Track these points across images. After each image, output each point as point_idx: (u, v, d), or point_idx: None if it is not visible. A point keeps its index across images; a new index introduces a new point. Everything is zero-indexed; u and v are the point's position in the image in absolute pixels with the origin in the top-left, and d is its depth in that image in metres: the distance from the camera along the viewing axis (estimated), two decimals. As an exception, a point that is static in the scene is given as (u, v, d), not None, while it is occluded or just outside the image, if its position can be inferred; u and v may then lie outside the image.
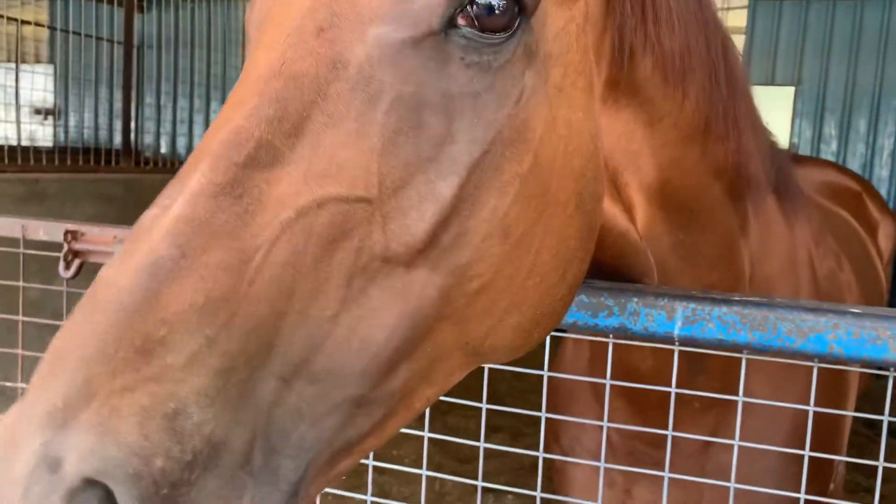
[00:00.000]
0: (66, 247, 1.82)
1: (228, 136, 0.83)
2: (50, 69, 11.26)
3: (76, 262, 1.83)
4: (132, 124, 5.17)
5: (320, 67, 0.87)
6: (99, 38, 8.68)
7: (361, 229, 0.85)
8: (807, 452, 1.44)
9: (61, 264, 1.82)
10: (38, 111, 10.88)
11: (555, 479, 2.06)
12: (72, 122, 10.84)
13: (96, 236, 1.82)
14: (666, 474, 1.54)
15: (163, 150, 12.09)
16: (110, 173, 4.77)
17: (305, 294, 0.81)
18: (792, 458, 1.57)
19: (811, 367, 1.51)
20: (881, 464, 1.43)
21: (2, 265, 2.02)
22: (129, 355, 0.72)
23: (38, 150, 4.56)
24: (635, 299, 1.34)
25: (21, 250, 1.89)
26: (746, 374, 1.58)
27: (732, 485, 1.50)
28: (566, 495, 2.02)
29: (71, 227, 1.82)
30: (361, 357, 0.85)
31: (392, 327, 0.87)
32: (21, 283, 1.93)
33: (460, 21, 0.90)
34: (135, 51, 5.18)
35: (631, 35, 1.18)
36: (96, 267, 1.81)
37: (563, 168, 1.02)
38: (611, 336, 1.42)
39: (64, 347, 0.75)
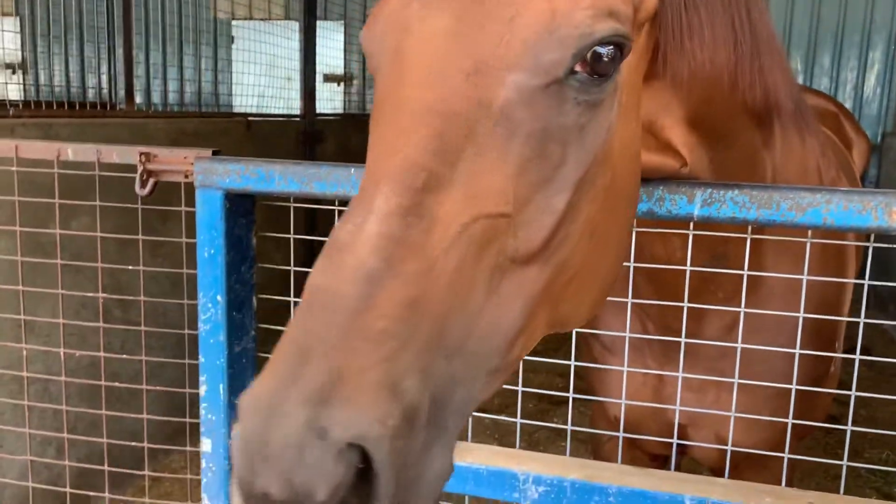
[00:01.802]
0: (140, 167, 2.01)
1: (404, 164, 1.02)
2: (17, 22, 11.11)
3: (151, 182, 2.02)
4: (135, 72, 5.27)
5: (470, 107, 1.05)
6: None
7: (501, 238, 1.05)
8: (801, 314, 1.71)
9: (137, 183, 2.01)
10: (8, 65, 10.77)
11: (592, 373, 2.32)
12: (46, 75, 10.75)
13: (167, 157, 2.01)
14: (682, 340, 1.82)
15: (137, 99, 12.03)
16: (116, 118, 4.90)
17: (464, 291, 1.01)
18: (803, 337, 1.76)
19: (819, 257, 1.74)
20: (862, 320, 1.72)
21: (72, 186, 2.21)
22: (362, 344, 0.92)
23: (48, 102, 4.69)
24: (661, 187, 1.56)
25: (97, 172, 2.08)
26: (766, 268, 1.85)
27: (739, 345, 1.78)
28: (603, 381, 2.28)
29: (144, 149, 2.01)
30: (497, 337, 1.07)
31: (516, 312, 1.08)
32: (97, 203, 2.13)
33: (578, 68, 1.09)
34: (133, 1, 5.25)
35: (672, 54, 1.37)
36: (168, 185, 2.02)
37: (627, 173, 1.25)
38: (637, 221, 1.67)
39: (307, 339, 0.94)
